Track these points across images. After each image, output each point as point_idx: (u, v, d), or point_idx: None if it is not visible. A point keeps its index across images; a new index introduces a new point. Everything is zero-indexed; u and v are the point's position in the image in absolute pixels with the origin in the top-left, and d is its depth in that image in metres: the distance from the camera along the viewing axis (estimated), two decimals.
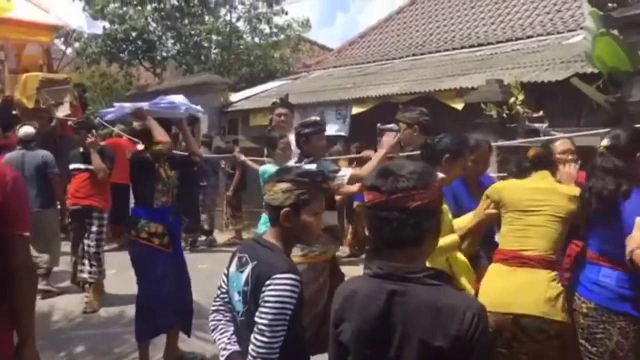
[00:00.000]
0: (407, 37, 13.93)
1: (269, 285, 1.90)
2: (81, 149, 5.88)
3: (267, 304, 1.89)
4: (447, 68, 9.87)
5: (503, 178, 3.68)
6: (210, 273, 4.33)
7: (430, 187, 1.56)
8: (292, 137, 4.52)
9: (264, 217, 5.46)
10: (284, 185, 2.04)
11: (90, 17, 11.61)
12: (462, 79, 8.49)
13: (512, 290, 2.71)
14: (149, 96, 13.00)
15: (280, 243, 2.07)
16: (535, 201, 2.83)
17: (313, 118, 4.41)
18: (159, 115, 4.26)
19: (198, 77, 12.98)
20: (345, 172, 3.94)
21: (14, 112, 8.49)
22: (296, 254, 3.92)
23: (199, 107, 4.76)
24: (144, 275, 4.18)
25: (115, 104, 4.66)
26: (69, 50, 16.30)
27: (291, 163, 4.09)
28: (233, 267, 2.11)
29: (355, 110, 9.35)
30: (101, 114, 4.89)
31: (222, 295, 2.22)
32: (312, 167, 3.92)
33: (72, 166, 5.94)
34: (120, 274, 7.19)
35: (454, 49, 11.95)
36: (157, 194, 4.16)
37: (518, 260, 2.78)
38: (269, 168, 5.26)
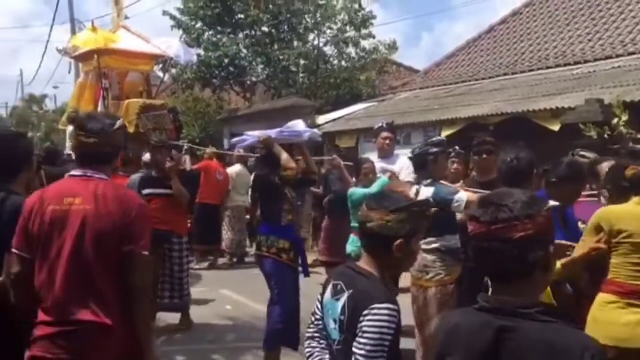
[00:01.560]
0: (497, 57, 13.56)
1: (366, 315, 1.86)
2: (153, 173, 5.83)
3: (366, 335, 1.85)
4: (541, 88, 9.49)
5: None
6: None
7: (535, 217, 1.46)
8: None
9: (353, 237, 5.51)
10: (401, 216, 1.98)
11: (187, 46, 12.17)
12: (559, 98, 8.12)
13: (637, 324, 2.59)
14: (240, 120, 13.55)
15: (377, 271, 2.02)
16: None
17: (440, 137, 4.47)
18: (284, 142, 4.61)
19: (286, 100, 13.28)
20: (463, 196, 3.85)
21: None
22: (425, 278, 3.92)
23: (318, 132, 4.99)
24: (278, 288, 4.47)
25: (247, 133, 5.07)
26: (166, 77, 17.27)
27: (413, 190, 4.08)
28: (328, 295, 2.09)
29: (445, 132, 9.15)
30: (234, 142, 5.31)
31: (316, 322, 2.20)
32: (430, 190, 3.89)
33: (146, 191, 5.62)
34: (210, 292, 7.43)
35: (548, 67, 11.48)
36: (284, 212, 4.50)
37: (638, 296, 2.63)
38: (357, 190, 5.37)
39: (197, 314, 6.20)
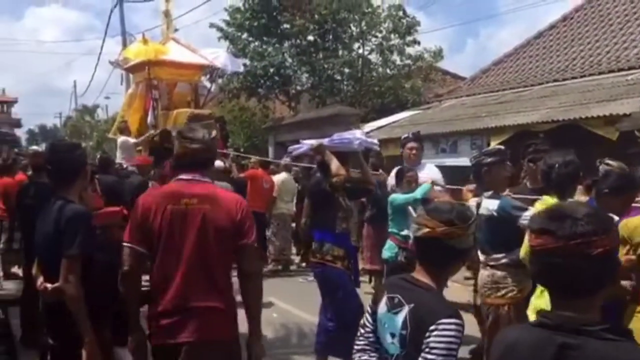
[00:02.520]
0: (546, 62, 13.23)
1: (433, 330, 1.84)
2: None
3: (434, 351, 1.83)
4: (594, 94, 9.20)
5: None
6: None
7: (611, 232, 1.41)
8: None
9: (390, 243, 5.47)
10: (471, 228, 2.00)
11: (233, 56, 12.38)
12: (613, 105, 7.85)
13: None
14: (284, 128, 13.65)
15: (434, 283, 2.00)
16: None
17: (496, 147, 4.36)
18: (336, 149, 4.63)
19: (331, 109, 13.32)
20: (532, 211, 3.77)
21: (167, 146, 9.21)
22: (496, 294, 3.84)
23: (374, 141, 5.10)
24: (333, 296, 4.48)
25: (301, 141, 5.14)
26: (213, 87, 17.59)
27: (472, 201, 4.03)
28: (383, 307, 2.05)
29: (494, 140, 8.96)
30: (290, 149, 5.43)
31: (366, 335, 2.16)
32: (494, 203, 3.81)
33: None
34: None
35: (600, 73, 11.12)
36: (338, 220, 4.50)
37: None
38: (399, 196, 5.40)
39: (242, 321, 6.22)
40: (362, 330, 2.18)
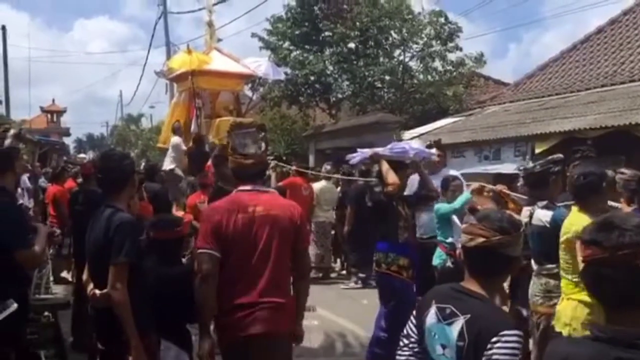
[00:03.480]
0: (594, 67, 12.89)
1: (496, 342, 1.81)
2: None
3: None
4: None
5: None
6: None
7: None
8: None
9: (439, 251, 5.43)
10: (522, 236, 2.00)
11: (275, 65, 12.51)
12: None
13: None
14: (325, 136, 13.68)
15: (487, 293, 1.97)
16: None
17: (559, 155, 4.32)
18: (391, 158, 4.70)
19: (371, 116, 13.27)
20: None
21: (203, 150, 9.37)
22: (548, 303, 3.81)
23: (432, 151, 5.14)
24: (397, 306, 4.48)
25: (359, 150, 5.27)
26: (254, 96, 17.79)
27: (525, 211, 4.00)
28: (432, 318, 2.02)
29: (539, 147, 8.76)
30: (348, 158, 5.56)
31: (411, 345, 2.13)
32: (548, 214, 3.76)
33: None
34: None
35: None
36: (400, 230, 4.56)
37: None
38: (443, 205, 5.37)
39: None
40: (406, 341, 2.15)
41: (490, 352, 1.81)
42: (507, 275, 2.08)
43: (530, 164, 4.23)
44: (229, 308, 2.89)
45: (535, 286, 3.91)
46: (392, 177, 4.48)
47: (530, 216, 3.91)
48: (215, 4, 13.38)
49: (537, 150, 8.74)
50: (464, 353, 1.89)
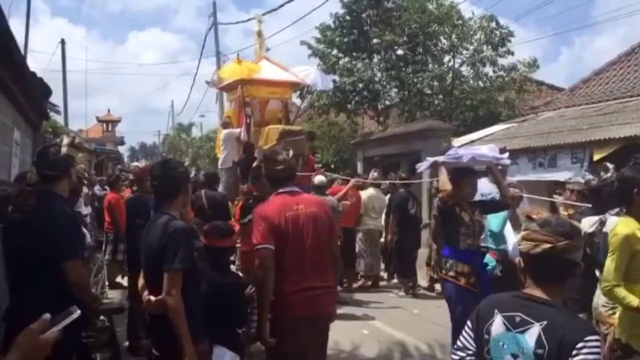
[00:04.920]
0: None
1: (582, 348, 1.82)
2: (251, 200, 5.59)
3: None
4: None
5: None
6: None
7: None
8: None
9: (488, 257, 5.31)
10: (582, 241, 2.04)
11: (323, 73, 12.52)
12: None
13: None
14: (373, 143, 13.60)
15: (553, 299, 1.96)
16: None
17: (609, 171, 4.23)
18: (454, 165, 4.72)
19: (420, 123, 13.09)
20: None
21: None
22: (615, 316, 3.67)
23: (504, 156, 5.03)
24: (454, 312, 4.53)
25: (427, 159, 5.28)
26: (303, 104, 17.88)
27: (588, 220, 3.91)
28: (500, 328, 1.98)
29: (598, 154, 8.42)
30: (417, 167, 5.57)
31: (468, 359, 2.07)
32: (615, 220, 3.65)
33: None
34: (345, 316, 7.43)
35: None
36: (461, 236, 4.55)
37: None
38: (496, 215, 5.24)
39: (332, 337, 6.23)
40: (462, 354, 2.08)
41: (577, 357, 1.81)
42: (571, 281, 2.03)
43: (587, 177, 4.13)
44: (290, 292, 3.29)
45: (603, 297, 3.75)
46: (446, 186, 4.56)
47: (602, 224, 3.84)
48: (264, 14, 13.58)
49: (596, 157, 8.41)
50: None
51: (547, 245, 1.93)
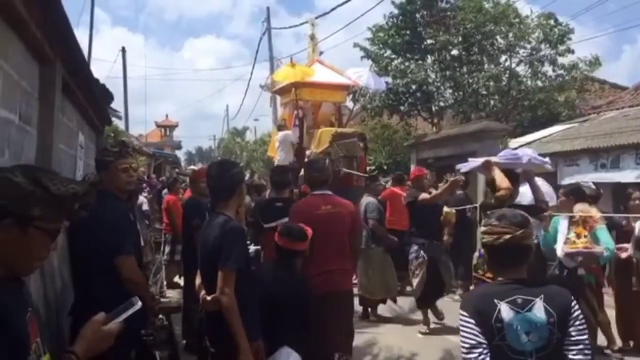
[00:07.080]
0: None
1: (574, 306, 2.20)
2: (278, 204, 5.20)
3: (581, 326, 2.17)
4: None
5: None
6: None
7: None
8: None
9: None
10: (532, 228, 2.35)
11: (376, 75, 12.47)
12: None
13: None
14: (427, 145, 13.43)
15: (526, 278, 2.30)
16: None
17: None
18: (504, 166, 4.74)
19: (476, 124, 12.84)
20: None
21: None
22: None
23: (546, 160, 5.05)
24: None
25: (469, 159, 5.40)
26: (356, 106, 17.86)
27: None
28: (509, 313, 2.14)
29: None
30: (458, 167, 5.65)
31: (485, 352, 2.13)
32: None
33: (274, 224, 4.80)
34: (399, 319, 7.36)
35: None
36: None
37: None
38: (558, 218, 5.13)
39: (387, 340, 6.21)
40: (479, 350, 2.12)
41: (574, 314, 2.17)
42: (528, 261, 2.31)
43: None
44: (319, 272, 4.01)
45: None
46: (506, 183, 4.49)
47: None
48: (317, 17, 13.65)
49: None
50: (556, 326, 2.14)
51: (508, 236, 2.23)
